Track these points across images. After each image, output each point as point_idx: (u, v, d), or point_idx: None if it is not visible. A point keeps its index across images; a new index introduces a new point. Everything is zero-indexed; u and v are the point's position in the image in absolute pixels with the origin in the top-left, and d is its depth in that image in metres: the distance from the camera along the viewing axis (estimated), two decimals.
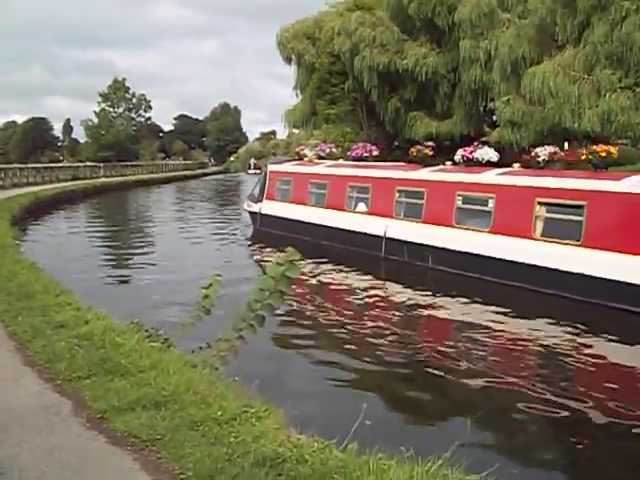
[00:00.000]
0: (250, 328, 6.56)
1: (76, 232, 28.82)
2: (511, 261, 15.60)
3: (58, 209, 39.04)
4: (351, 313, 14.18)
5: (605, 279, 13.49)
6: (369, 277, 17.57)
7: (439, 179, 19.21)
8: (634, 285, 13.00)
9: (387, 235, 19.53)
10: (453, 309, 14.23)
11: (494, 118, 31.36)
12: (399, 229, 19.40)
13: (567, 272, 14.24)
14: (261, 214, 27.12)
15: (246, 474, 4.35)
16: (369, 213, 21.32)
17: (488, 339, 12.01)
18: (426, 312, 13.98)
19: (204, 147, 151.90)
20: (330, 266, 18.68)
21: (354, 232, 20.85)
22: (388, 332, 12.32)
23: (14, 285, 10.93)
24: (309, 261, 18.62)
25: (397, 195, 20.35)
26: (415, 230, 18.89)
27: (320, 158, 27.34)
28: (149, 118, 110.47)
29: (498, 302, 14.15)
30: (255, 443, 4.80)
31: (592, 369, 10.39)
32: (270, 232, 25.55)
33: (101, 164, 75.67)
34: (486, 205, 17.20)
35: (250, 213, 28.66)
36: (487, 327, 12.69)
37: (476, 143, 21.99)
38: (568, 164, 17.73)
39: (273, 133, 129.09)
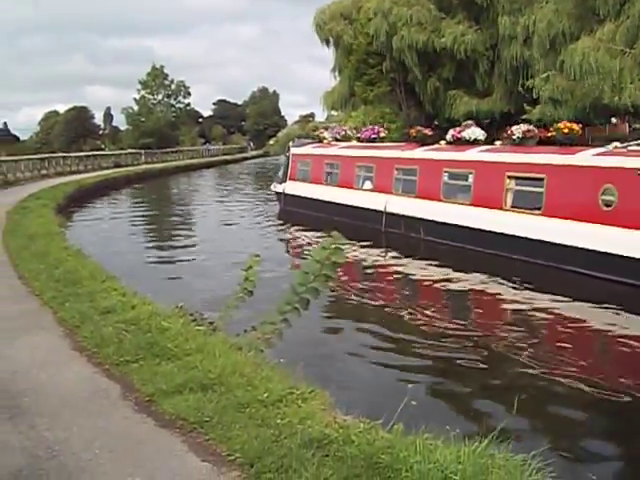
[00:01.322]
0: (295, 311, 6.58)
1: (119, 218, 29.12)
2: (486, 230, 17.03)
3: (101, 196, 39.43)
4: (380, 290, 14.55)
5: (561, 244, 14.87)
6: (378, 250, 18.96)
7: (429, 157, 20.90)
8: (585, 249, 14.22)
9: (387, 210, 21.13)
10: (472, 283, 14.63)
11: (534, 95, 30.90)
12: (397, 204, 20.99)
13: (530, 239, 15.64)
14: (285, 194, 28.67)
15: (293, 455, 4.38)
16: (373, 190, 22.93)
17: (517, 315, 12.24)
18: (449, 286, 14.45)
19: (243, 131, 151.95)
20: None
21: (361, 208, 22.42)
22: (421, 309, 12.48)
23: (61, 272, 11.09)
24: (319, 235, 19.84)
25: (396, 173, 22.02)
26: (410, 205, 20.49)
27: (336, 140, 28.53)
28: (188, 104, 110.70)
29: (485, 270, 15.18)
30: (301, 424, 4.83)
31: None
32: (293, 211, 27.29)
33: (142, 151, 76.01)
34: (467, 180, 18.76)
35: (276, 193, 30.19)
36: (509, 301, 13.07)
37: (469, 122, 22.65)
38: (541, 140, 18.71)
39: (312, 116, 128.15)
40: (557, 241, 14.97)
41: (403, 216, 20.41)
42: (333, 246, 6.34)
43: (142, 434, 5.07)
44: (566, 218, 15.18)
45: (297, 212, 26.63)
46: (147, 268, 17.03)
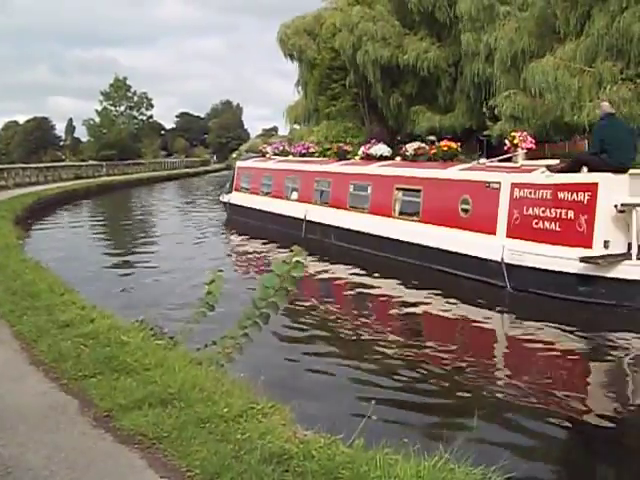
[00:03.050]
0: (255, 326, 6.57)
1: (79, 230, 28.90)
2: (379, 236, 19.22)
3: (61, 208, 39.07)
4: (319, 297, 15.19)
5: (432, 247, 16.87)
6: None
7: (339, 171, 23.55)
8: (451, 252, 16.19)
9: (307, 218, 23.40)
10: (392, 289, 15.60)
11: (496, 112, 31.30)
12: (314, 213, 23.36)
13: (410, 243, 17.74)
14: (230, 204, 31.39)
15: (253, 471, 4.35)
16: (298, 200, 25.50)
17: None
18: (371, 291, 15.41)
19: (206, 144, 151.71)
20: (269, 246, 22.62)
21: (287, 216, 24.86)
22: (358, 317, 13.37)
23: (19, 284, 10.94)
24: (252, 241, 24.04)
25: (315, 185, 24.63)
26: (324, 213, 22.95)
27: (275, 155, 31.16)
28: (151, 116, 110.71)
29: (395, 276, 16.61)
30: (262, 440, 4.80)
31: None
32: (236, 219, 29.97)
33: (103, 163, 75.43)
34: (366, 191, 21.25)
35: (223, 203, 32.81)
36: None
37: (373, 140, 25.42)
38: (430, 157, 20.63)
39: (275, 129, 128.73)
40: (428, 244, 17.08)
41: (319, 223, 22.78)
42: (294, 260, 6.34)
43: (100, 450, 5.00)
44: (435, 224, 17.56)
45: (239, 220, 29.29)
46: (106, 280, 16.91)
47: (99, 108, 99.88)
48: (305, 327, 12.27)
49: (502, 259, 14.52)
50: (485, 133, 35.96)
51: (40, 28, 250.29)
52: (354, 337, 11.76)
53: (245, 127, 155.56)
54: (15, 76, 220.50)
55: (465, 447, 4.69)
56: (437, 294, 14.54)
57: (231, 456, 4.60)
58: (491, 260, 14.88)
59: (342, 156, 25.45)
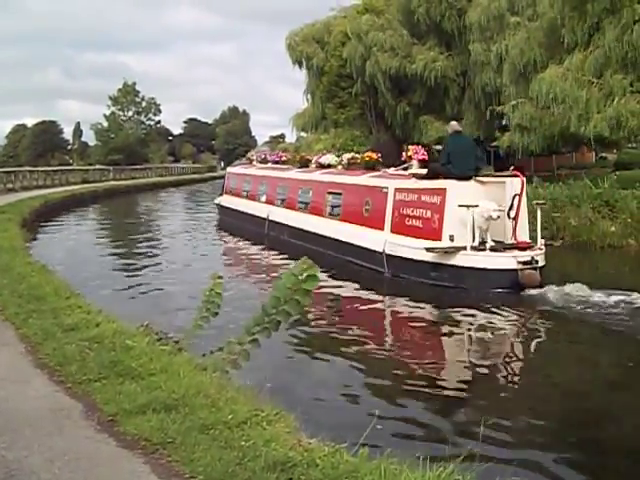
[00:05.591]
0: (264, 332, 6.53)
1: (85, 234, 28.96)
2: (315, 233, 21.91)
3: (68, 212, 39.15)
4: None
5: (348, 242, 19.43)
6: (260, 248, 24.45)
7: (293, 177, 26.72)
8: (355, 245, 18.93)
9: (269, 218, 26.72)
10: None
11: (504, 122, 31.30)
12: (275, 213, 26.51)
13: (333, 238, 20.37)
14: (220, 205, 34.75)
15: (257, 478, 4.34)
16: (265, 202, 28.56)
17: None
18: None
19: (213, 150, 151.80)
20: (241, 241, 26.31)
21: (256, 216, 28.05)
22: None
23: (24, 287, 10.94)
24: (233, 240, 27.47)
25: (277, 189, 27.73)
26: (280, 213, 25.99)
27: (259, 162, 34.29)
28: (159, 122, 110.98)
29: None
30: (266, 447, 4.78)
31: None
32: (225, 219, 33.20)
33: (110, 167, 75.60)
34: (309, 194, 24.24)
35: (216, 205, 35.96)
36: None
37: (324, 151, 29.95)
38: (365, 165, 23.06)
39: (282, 136, 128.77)
40: (343, 239, 19.73)
41: (277, 222, 25.78)
42: (305, 273, 6.28)
43: (104, 454, 4.99)
44: (349, 222, 20.26)
45: (227, 220, 32.51)
46: (111, 283, 16.82)
47: (107, 112, 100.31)
48: (301, 332, 12.17)
49: (384, 250, 17.52)
50: (493, 144, 35.97)
51: (53, 32, 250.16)
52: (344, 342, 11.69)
53: (252, 134, 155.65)
54: (26, 79, 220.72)
55: (471, 458, 4.66)
56: (345, 280, 17.03)
57: (235, 463, 4.59)
58: (377, 251, 17.79)
59: (304, 164, 28.17)
